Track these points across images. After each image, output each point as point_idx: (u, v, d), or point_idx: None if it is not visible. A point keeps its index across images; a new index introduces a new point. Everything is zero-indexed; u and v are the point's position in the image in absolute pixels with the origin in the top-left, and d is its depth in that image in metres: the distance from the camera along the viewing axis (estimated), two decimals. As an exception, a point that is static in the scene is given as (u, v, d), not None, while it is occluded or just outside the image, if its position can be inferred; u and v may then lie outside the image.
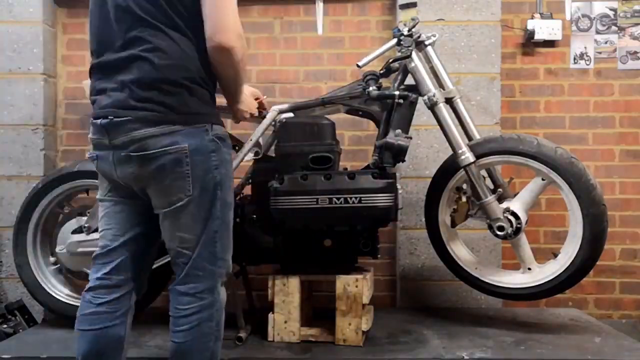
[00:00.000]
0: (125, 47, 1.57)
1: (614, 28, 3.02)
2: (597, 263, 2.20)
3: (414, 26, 2.26)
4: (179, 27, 1.57)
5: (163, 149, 1.54)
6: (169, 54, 1.55)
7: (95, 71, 1.65)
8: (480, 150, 2.23)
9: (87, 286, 1.68)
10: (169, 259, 2.30)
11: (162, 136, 1.54)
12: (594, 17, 3.02)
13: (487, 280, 2.35)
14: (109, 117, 1.55)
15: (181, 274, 1.63)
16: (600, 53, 3.02)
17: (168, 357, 1.65)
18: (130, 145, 1.55)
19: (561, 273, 2.19)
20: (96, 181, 2.39)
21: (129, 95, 1.54)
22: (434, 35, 2.35)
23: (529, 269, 2.29)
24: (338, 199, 2.09)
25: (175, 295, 1.63)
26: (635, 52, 3.01)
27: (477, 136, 2.33)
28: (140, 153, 1.55)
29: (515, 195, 2.30)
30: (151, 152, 1.54)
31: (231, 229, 1.69)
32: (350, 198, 2.09)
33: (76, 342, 1.64)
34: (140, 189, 1.63)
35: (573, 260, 2.17)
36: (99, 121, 1.58)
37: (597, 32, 3.02)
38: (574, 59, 3.03)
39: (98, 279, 1.66)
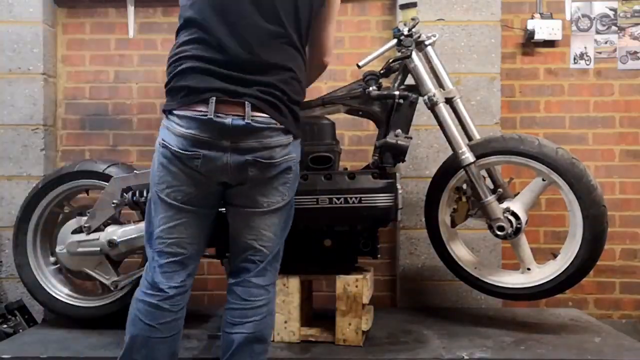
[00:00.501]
0: (267, 52, 1.62)
1: (614, 28, 3.02)
2: (597, 263, 2.20)
3: (414, 26, 2.26)
4: (302, 46, 1.72)
5: (284, 157, 1.66)
6: (301, 72, 1.71)
7: (217, 65, 1.60)
8: (481, 150, 2.23)
9: (163, 295, 1.64)
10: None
11: (285, 146, 1.65)
12: (594, 17, 3.02)
13: (486, 280, 2.35)
14: (246, 121, 1.56)
15: (257, 268, 1.72)
16: (600, 53, 3.02)
17: (224, 349, 1.69)
18: (259, 151, 1.60)
19: (560, 273, 2.19)
20: (96, 181, 2.43)
21: (272, 102, 1.61)
22: (434, 35, 2.35)
23: (529, 269, 2.29)
24: (338, 199, 2.09)
25: (247, 288, 1.71)
26: (635, 52, 3.01)
27: (477, 136, 2.33)
28: (267, 161, 1.62)
29: (515, 195, 2.30)
30: (277, 160, 1.64)
31: None
32: (351, 198, 2.09)
33: (149, 350, 1.62)
34: (237, 187, 1.65)
35: (573, 261, 2.17)
36: (227, 120, 1.56)
37: (597, 32, 3.02)
38: (574, 59, 3.03)
39: (175, 287, 1.66)
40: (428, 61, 2.33)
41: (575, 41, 3.03)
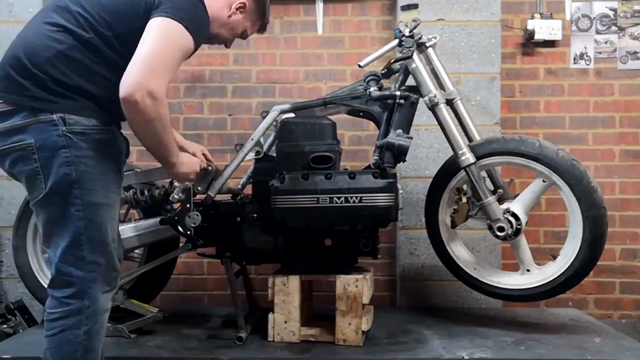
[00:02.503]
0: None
1: (614, 28, 3.02)
2: (597, 263, 2.20)
3: (415, 27, 2.26)
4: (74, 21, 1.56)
5: (10, 145, 1.53)
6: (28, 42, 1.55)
7: None
8: (482, 151, 2.23)
9: None
10: (167, 259, 2.34)
11: (11, 132, 1.52)
12: (594, 17, 3.02)
13: (485, 281, 2.35)
14: None
15: (52, 275, 1.56)
16: (600, 53, 3.02)
17: None
18: None
19: (560, 275, 2.19)
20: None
21: None
22: (435, 37, 2.35)
23: (528, 270, 2.29)
24: (339, 198, 2.09)
25: (48, 297, 1.56)
26: (635, 52, 3.01)
27: (477, 137, 2.33)
28: None
29: (515, 196, 2.30)
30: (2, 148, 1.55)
31: (105, 230, 1.58)
32: (351, 198, 2.09)
33: None
34: None
35: (572, 263, 2.17)
36: None
37: (597, 32, 3.03)
38: (574, 59, 3.03)
39: None
40: (429, 62, 2.33)
41: (575, 41, 3.03)
